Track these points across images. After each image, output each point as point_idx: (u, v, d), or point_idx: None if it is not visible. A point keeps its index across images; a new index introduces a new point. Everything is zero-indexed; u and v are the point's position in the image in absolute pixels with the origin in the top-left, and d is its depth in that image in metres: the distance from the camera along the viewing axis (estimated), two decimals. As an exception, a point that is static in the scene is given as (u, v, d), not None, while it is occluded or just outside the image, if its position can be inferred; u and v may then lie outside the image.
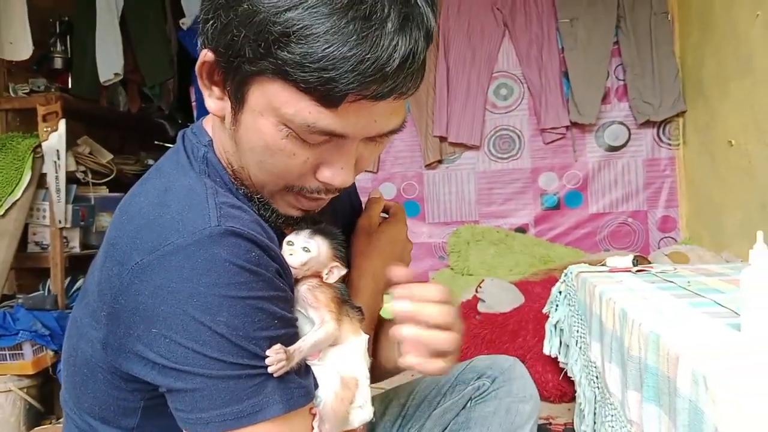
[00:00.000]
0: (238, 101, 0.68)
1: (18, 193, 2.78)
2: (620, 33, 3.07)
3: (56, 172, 2.91)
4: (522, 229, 3.16)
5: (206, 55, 0.69)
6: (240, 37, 0.63)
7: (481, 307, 2.22)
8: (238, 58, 0.65)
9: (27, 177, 2.81)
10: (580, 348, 1.43)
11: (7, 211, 2.74)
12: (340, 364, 0.75)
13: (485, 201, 3.21)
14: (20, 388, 2.37)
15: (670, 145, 3.09)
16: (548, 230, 3.15)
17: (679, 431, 0.77)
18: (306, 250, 0.75)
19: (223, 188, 0.74)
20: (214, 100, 0.73)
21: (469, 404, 1.14)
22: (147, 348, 0.66)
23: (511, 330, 2.09)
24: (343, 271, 0.77)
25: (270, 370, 0.66)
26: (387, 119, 0.69)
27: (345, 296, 0.79)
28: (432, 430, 1.12)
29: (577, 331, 1.46)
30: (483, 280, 2.28)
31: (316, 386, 0.73)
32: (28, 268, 2.90)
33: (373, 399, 1.16)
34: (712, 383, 0.68)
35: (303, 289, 0.75)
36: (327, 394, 0.73)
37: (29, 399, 2.38)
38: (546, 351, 1.66)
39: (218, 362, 0.64)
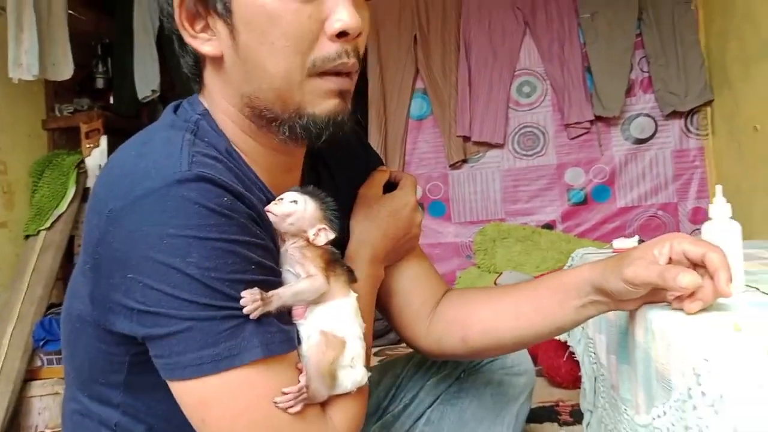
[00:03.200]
0: (226, 8, 0.71)
1: (63, 207, 2.93)
2: (643, 25, 3.04)
3: (99, 186, 3.06)
4: (549, 226, 3.15)
5: (177, 1, 0.72)
6: None
7: (501, 300, 2.23)
8: None
9: (71, 191, 2.96)
10: (582, 328, 1.44)
11: (53, 223, 2.90)
12: (325, 323, 0.74)
13: (511, 199, 3.21)
14: (65, 393, 2.52)
15: (698, 135, 3.03)
16: (576, 226, 3.13)
17: (639, 383, 0.80)
18: (293, 202, 0.74)
19: (211, 145, 0.74)
20: (207, 44, 0.74)
21: (462, 375, 1.17)
22: (124, 296, 0.66)
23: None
24: (332, 235, 0.75)
25: (245, 311, 0.66)
26: None
27: (336, 257, 0.78)
28: (425, 399, 1.15)
29: (580, 311, 1.47)
30: (501, 274, 2.29)
31: (299, 342, 0.73)
32: (75, 278, 3.06)
33: (371, 369, 1.21)
34: (656, 326, 0.70)
35: (291, 248, 0.75)
36: (310, 350, 0.72)
37: (75, 399, 2.51)
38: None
39: (191, 304, 0.64)
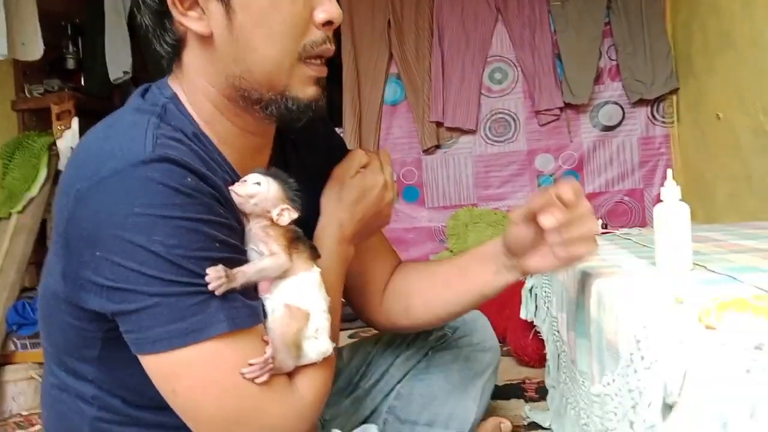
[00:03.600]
0: None
1: (35, 190, 2.89)
2: (611, 13, 3.10)
3: (71, 169, 3.03)
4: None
5: None
6: None
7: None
8: None
9: (43, 174, 2.92)
10: (547, 307, 1.50)
11: (25, 207, 2.86)
12: (290, 296, 0.77)
13: (483, 184, 3.27)
14: (41, 375, 2.51)
15: (664, 122, 3.12)
16: (546, 210, 3.19)
17: (594, 355, 0.85)
18: (256, 184, 0.77)
19: (177, 128, 0.76)
20: (197, 22, 0.75)
21: (430, 352, 1.22)
22: (94, 273, 0.68)
23: (498, 303, 2.15)
24: (295, 215, 0.78)
25: (210, 287, 0.68)
26: None
27: (298, 235, 0.80)
28: (395, 375, 1.20)
29: (545, 292, 1.53)
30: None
31: (266, 316, 0.76)
32: (47, 262, 3.03)
33: (342, 348, 1.25)
34: (606, 299, 0.75)
35: (255, 227, 0.78)
36: (275, 323, 0.75)
37: (49, 384, 2.50)
38: (522, 315, 1.72)
39: (157, 280, 0.66)
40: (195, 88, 0.80)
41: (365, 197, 0.92)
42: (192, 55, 0.80)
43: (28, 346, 2.60)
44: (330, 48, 0.79)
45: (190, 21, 0.75)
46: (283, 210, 0.77)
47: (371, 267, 1.04)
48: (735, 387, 0.42)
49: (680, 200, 0.88)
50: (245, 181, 0.77)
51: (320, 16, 0.76)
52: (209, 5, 0.74)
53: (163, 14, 0.76)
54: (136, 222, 0.66)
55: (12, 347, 2.52)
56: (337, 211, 0.91)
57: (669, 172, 0.88)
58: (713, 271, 0.84)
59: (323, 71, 0.80)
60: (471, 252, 1.01)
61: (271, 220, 0.77)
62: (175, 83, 0.82)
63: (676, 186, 0.88)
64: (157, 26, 0.78)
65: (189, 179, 0.69)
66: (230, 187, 0.76)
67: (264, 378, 0.71)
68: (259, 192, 0.76)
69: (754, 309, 0.51)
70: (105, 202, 0.67)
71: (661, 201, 0.88)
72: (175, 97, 0.80)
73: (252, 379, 0.71)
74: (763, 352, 0.45)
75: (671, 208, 0.87)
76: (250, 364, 0.71)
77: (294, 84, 0.78)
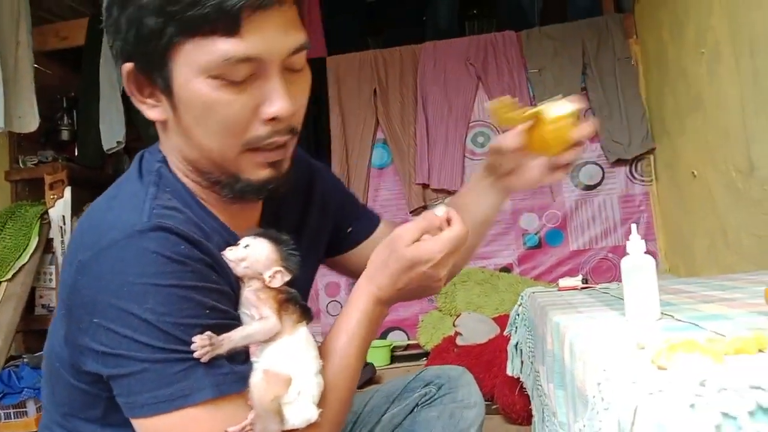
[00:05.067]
0: (167, 88, 0.75)
1: (25, 258, 2.92)
2: (587, 79, 3.25)
3: (62, 237, 3.06)
4: (507, 269, 3.26)
5: (126, 67, 0.76)
6: (139, 20, 0.71)
7: (459, 341, 2.30)
8: (150, 43, 0.72)
9: (34, 242, 2.96)
10: (531, 362, 1.52)
11: (14, 275, 2.88)
12: (272, 361, 0.76)
13: (469, 244, 3.31)
14: (23, 445, 2.47)
15: (643, 181, 3.22)
16: (532, 269, 3.25)
17: (569, 405, 0.88)
18: (246, 247, 0.77)
19: (174, 196, 0.79)
20: (152, 109, 0.79)
21: (415, 409, 1.23)
22: (91, 339, 0.71)
23: (486, 360, 2.17)
24: (287, 277, 0.78)
25: (195, 355, 0.70)
26: (287, 35, 0.75)
27: (291, 296, 0.80)
28: (381, 433, 1.21)
29: (528, 347, 1.55)
30: (459, 314, 2.37)
31: None
32: (35, 330, 3.01)
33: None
34: (576, 348, 0.79)
35: (247, 292, 0.78)
36: (252, 388, 0.74)
37: (32, 455, 2.45)
38: (509, 372, 1.73)
39: (148, 347, 0.69)
40: (172, 158, 0.84)
41: (413, 270, 0.84)
42: (161, 133, 0.84)
43: (12, 416, 2.56)
44: (279, 140, 0.78)
45: (146, 108, 0.80)
46: (276, 273, 0.77)
47: None
48: (681, 421, 0.46)
49: (645, 253, 0.92)
50: (238, 244, 0.78)
51: (266, 112, 0.76)
52: (161, 97, 0.78)
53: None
54: (130, 291, 0.69)
55: (-4, 417, 2.49)
56: (379, 274, 0.86)
57: (633, 226, 0.93)
58: (679, 320, 0.88)
59: (278, 155, 0.80)
60: (458, 194, 1.14)
61: (264, 282, 0.78)
62: (162, 148, 0.86)
63: (641, 240, 0.92)
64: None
65: (183, 247, 0.72)
66: (223, 253, 0.78)
67: None
68: (248, 255, 0.77)
69: (701, 349, 0.55)
70: (103, 271, 0.71)
71: (627, 254, 0.93)
72: (165, 161, 0.84)
73: None
74: (706, 388, 0.48)
75: (637, 261, 0.91)
76: None
77: (243, 169, 0.79)
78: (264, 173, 0.80)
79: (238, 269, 0.78)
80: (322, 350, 0.84)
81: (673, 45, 2.72)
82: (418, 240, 0.84)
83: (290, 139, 0.81)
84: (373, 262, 0.87)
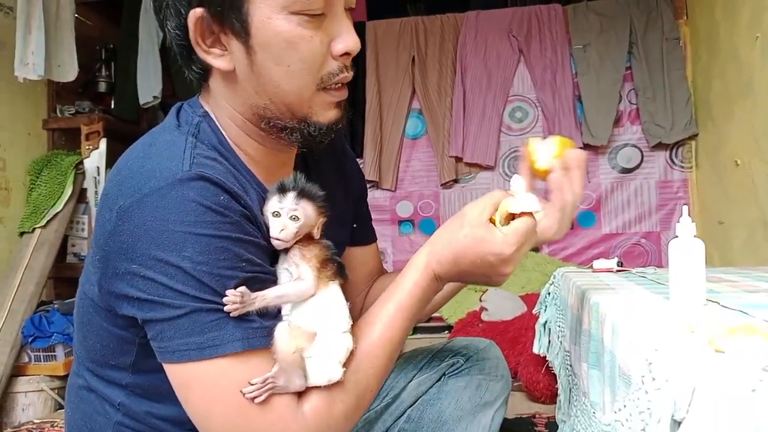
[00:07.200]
0: (244, 30, 0.75)
1: (59, 206, 2.97)
2: (632, 58, 3.16)
3: (96, 188, 3.09)
4: (536, 248, 3.22)
5: (196, 13, 0.76)
6: None
7: (484, 316, 2.29)
8: None
9: (68, 191, 3.00)
10: (561, 342, 1.50)
11: (48, 222, 2.93)
12: (300, 316, 0.76)
13: (499, 220, 3.27)
14: (52, 389, 2.51)
15: (682, 167, 3.14)
16: (561, 250, 3.21)
17: (606, 384, 0.86)
18: (294, 218, 0.76)
19: (212, 148, 0.80)
20: (218, 59, 0.79)
21: (442, 378, 1.23)
22: (128, 285, 0.72)
23: (511, 337, 2.16)
24: (324, 219, 0.80)
25: (226, 309, 0.70)
26: None
27: (331, 255, 0.80)
28: (406, 399, 1.20)
29: (558, 326, 1.53)
30: (486, 290, 2.36)
31: None
32: (66, 278, 3.06)
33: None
34: (620, 327, 0.77)
35: (293, 248, 0.78)
36: (275, 341, 0.74)
37: (59, 399, 2.51)
38: (535, 350, 1.71)
39: (183, 295, 0.70)
40: (222, 111, 0.84)
41: (478, 259, 0.79)
42: (217, 84, 0.84)
43: (42, 359, 2.62)
44: (348, 75, 0.82)
45: (212, 58, 0.79)
46: (321, 225, 0.80)
47: (359, 276, 1.11)
48: (741, 405, 0.44)
49: (695, 236, 0.89)
50: (278, 215, 0.77)
51: (338, 47, 0.79)
52: (231, 43, 0.77)
53: (188, 47, 0.80)
54: (169, 238, 0.70)
55: (26, 359, 2.56)
56: (445, 250, 0.81)
57: (684, 208, 0.90)
58: (726, 306, 0.85)
59: (343, 94, 0.84)
60: None
61: (309, 237, 0.79)
62: (205, 102, 0.86)
63: (692, 222, 0.89)
64: (184, 57, 0.82)
65: (222, 197, 0.73)
66: (274, 236, 0.76)
67: (262, 398, 0.72)
68: (301, 226, 0.77)
69: (762, 333, 0.53)
70: (143, 218, 0.71)
71: (677, 237, 0.90)
72: (206, 116, 0.84)
73: (252, 399, 0.71)
74: (770, 373, 0.46)
75: (686, 244, 0.88)
76: (250, 383, 0.72)
77: (315, 111, 0.82)
78: (332, 113, 0.83)
79: (292, 242, 0.78)
80: (367, 315, 0.83)
81: (725, 27, 2.62)
82: (492, 219, 0.80)
83: (350, 78, 0.83)
84: (438, 235, 0.84)
